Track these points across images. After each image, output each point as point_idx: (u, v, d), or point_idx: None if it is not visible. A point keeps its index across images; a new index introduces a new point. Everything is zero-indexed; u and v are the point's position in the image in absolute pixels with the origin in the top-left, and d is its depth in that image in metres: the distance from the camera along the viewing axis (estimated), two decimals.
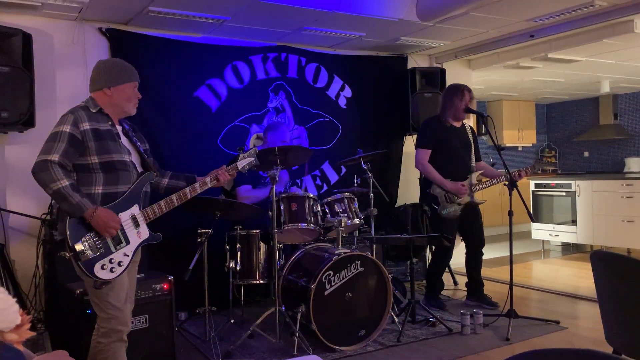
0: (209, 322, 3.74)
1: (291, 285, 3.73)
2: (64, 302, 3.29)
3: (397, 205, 5.70)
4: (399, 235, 4.24)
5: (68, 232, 2.30)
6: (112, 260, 2.37)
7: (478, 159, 4.52)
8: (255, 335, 3.74)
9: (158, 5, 3.97)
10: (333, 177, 5.41)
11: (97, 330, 2.48)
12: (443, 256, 4.54)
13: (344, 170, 5.40)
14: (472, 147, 4.43)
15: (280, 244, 3.89)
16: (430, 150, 4.36)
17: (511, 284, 3.92)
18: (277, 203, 3.72)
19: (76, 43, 4.29)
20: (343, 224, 3.84)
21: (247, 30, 4.71)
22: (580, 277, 5.63)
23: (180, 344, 3.48)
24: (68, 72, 4.27)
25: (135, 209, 2.49)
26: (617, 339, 2.36)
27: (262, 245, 3.99)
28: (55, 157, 2.31)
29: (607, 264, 2.35)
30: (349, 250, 3.65)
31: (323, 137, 5.36)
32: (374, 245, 4.44)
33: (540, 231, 7.16)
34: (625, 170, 9.08)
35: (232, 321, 3.97)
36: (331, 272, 3.48)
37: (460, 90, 4.30)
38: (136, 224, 2.48)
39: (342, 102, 5.49)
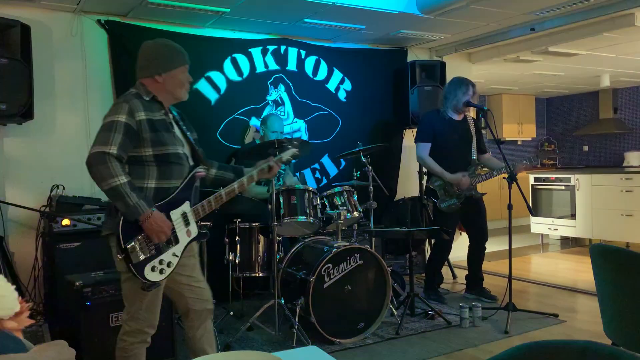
0: None
1: (290, 278, 3.73)
2: (63, 294, 3.29)
3: (396, 198, 5.70)
4: (398, 228, 4.24)
5: (121, 232, 2.17)
6: (162, 262, 2.25)
7: (483, 151, 4.51)
8: (255, 328, 3.75)
9: None
10: (332, 171, 5.41)
11: (122, 327, 2.37)
12: (442, 249, 4.55)
13: (343, 163, 5.40)
14: (474, 140, 4.42)
15: (279, 237, 3.89)
16: (429, 144, 4.37)
17: (510, 278, 3.93)
18: (277, 196, 3.72)
19: (75, 35, 4.27)
20: (342, 217, 3.84)
21: (246, 22, 4.69)
22: (579, 270, 5.64)
23: (179, 337, 3.48)
24: (67, 64, 4.26)
25: (186, 206, 2.35)
26: (615, 332, 2.36)
27: (261, 238, 4.00)
28: (113, 150, 2.14)
29: (606, 258, 2.35)
30: (348, 244, 3.65)
31: (322, 131, 5.35)
32: (373, 239, 4.44)
33: (539, 225, 7.17)
34: (625, 164, 9.09)
35: (232, 314, 3.98)
36: (330, 265, 3.48)
37: (465, 83, 4.29)
38: (186, 222, 2.35)
39: (341, 95, 5.48)
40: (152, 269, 2.22)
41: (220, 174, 2.62)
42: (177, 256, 2.31)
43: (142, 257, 2.20)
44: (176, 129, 2.42)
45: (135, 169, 2.28)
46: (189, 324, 2.50)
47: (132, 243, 2.19)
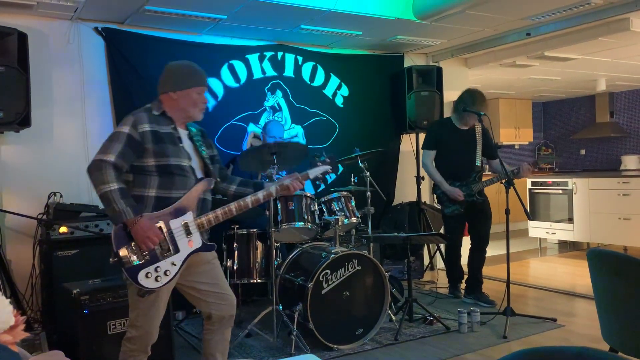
0: None
1: (288, 284, 3.72)
2: (61, 302, 3.28)
3: (394, 203, 5.71)
4: (396, 233, 4.24)
5: (113, 237, 2.26)
6: (158, 269, 2.30)
7: (492, 157, 4.56)
8: (253, 335, 3.75)
9: (154, 4, 3.96)
10: (330, 176, 5.41)
11: (126, 332, 2.45)
12: (448, 247, 4.78)
13: (340, 169, 5.41)
14: (478, 147, 4.46)
15: (277, 243, 3.89)
16: (434, 151, 4.49)
17: (508, 282, 3.93)
18: (274, 202, 3.71)
19: (72, 42, 4.28)
20: (340, 223, 3.84)
21: (243, 29, 4.70)
22: (577, 274, 5.64)
23: (178, 344, 3.48)
24: (64, 71, 4.26)
25: (188, 217, 2.38)
26: (613, 337, 2.36)
27: (259, 244, 3.99)
28: (111, 158, 2.26)
29: (603, 262, 2.36)
30: (346, 249, 3.65)
31: (320, 136, 5.36)
32: (371, 244, 4.44)
33: (537, 229, 7.17)
34: (622, 168, 9.11)
35: None
36: (328, 271, 3.48)
37: (469, 98, 4.31)
38: (188, 232, 2.38)
39: (339, 100, 5.49)
40: (147, 275, 2.27)
41: (241, 190, 2.67)
42: (175, 265, 2.34)
43: (135, 263, 2.26)
44: (186, 144, 2.50)
45: (139, 178, 2.37)
46: (209, 327, 2.60)
47: (125, 248, 2.26)
